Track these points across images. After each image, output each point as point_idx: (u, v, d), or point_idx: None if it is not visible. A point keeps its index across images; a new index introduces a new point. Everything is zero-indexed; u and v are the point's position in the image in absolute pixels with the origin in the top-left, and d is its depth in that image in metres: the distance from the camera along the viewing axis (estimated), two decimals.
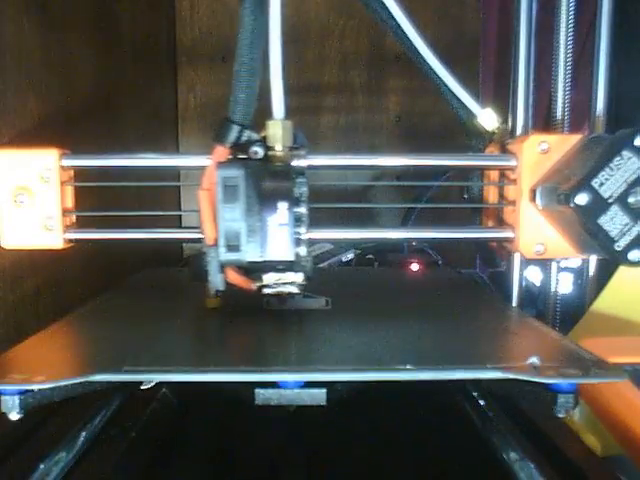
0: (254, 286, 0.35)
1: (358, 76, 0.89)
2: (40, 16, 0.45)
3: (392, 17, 0.38)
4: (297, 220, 0.33)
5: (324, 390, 0.28)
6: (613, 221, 0.34)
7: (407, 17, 0.38)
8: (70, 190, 0.39)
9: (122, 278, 0.52)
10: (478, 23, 0.79)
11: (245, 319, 0.38)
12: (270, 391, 0.27)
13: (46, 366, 0.29)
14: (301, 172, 0.34)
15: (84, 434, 0.31)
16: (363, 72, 0.88)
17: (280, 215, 0.33)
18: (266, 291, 0.35)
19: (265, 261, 0.33)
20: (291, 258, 0.33)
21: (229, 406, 0.39)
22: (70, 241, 0.39)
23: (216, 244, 0.34)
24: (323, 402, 0.28)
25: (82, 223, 0.40)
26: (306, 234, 0.34)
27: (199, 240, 0.40)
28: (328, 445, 0.38)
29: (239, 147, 0.35)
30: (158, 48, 0.83)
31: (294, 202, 0.33)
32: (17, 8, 0.42)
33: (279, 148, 0.34)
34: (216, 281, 0.35)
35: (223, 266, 0.35)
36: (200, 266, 0.35)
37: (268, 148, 0.34)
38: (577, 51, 0.41)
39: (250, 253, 0.33)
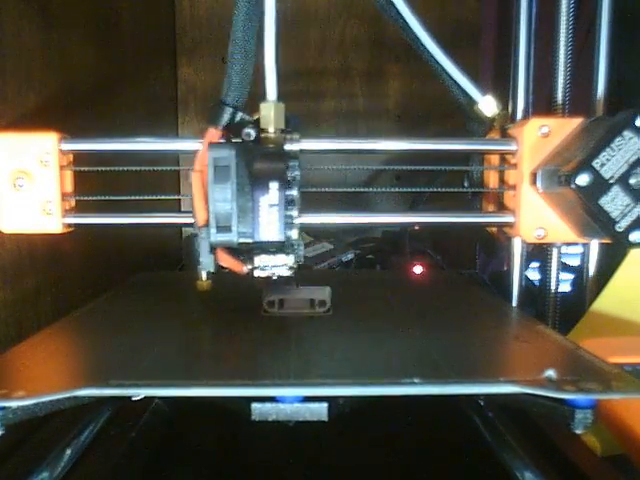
0: (245, 269, 0.35)
1: (358, 76, 0.89)
2: (40, 12, 0.45)
3: (392, 4, 0.38)
4: (289, 203, 0.33)
5: (325, 404, 0.26)
6: (614, 202, 0.34)
7: (407, 3, 0.38)
8: (69, 174, 0.39)
9: (122, 278, 0.51)
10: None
11: (242, 326, 0.37)
12: (267, 406, 0.26)
13: (29, 379, 0.27)
14: (294, 155, 0.34)
15: (69, 452, 0.30)
16: (363, 73, 0.89)
17: (271, 196, 0.33)
18: (257, 274, 0.34)
19: (255, 242, 0.33)
20: (281, 239, 0.33)
21: (226, 418, 0.37)
22: (69, 226, 0.39)
23: (207, 225, 0.34)
24: (324, 417, 0.26)
25: (82, 209, 0.40)
26: (298, 218, 0.34)
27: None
28: (330, 462, 0.36)
29: (232, 130, 0.35)
30: (158, 48, 0.83)
31: (285, 184, 0.33)
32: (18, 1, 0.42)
33: (272, 130, 0.34)
34: (207, 262, 0.34)
35: (214, 248, 0.34)
36: (191, 248, 0.35)
37: (261, 130, 0.34)
38: (578, 35, 0.41)
39: (241, 234, 0.33)
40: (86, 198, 0.40)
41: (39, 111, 0.44)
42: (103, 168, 0.39)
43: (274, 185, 0.33)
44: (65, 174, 0.39)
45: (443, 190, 0.40)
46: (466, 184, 0.45)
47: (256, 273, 0.34)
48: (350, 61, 0.88)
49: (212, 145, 0.34)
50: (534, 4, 0.42)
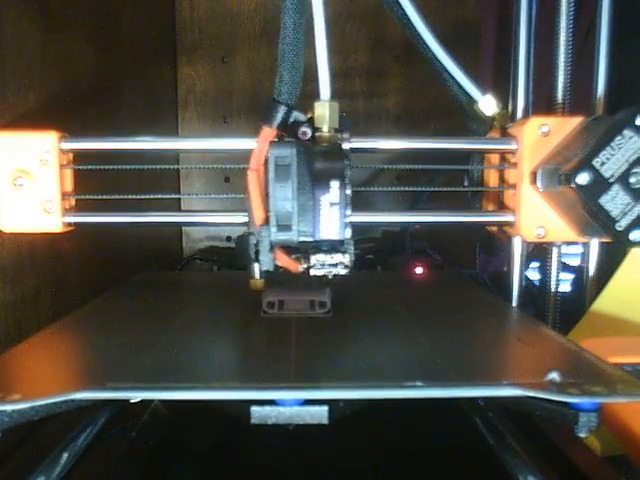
0: (301, 267, 0.35)
1: (358, 76, 0.89)
2: (40, 12, 0.45)
3: (398, 2, 0.38)
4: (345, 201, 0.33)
5: (325, 408, 0.26)
6: (614, 201, 0.34)
7: (411, 1, 0.38)
8: (69, 173, 0.39)
9: (122, 278, 0.51)
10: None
11: (242, 327, 0.36)
12: (267, 409, 0.26)
13: (26, 381, 0.27)
14: (347, 154, 0.34)
15: (66, 455, 0.29)
16: (363, 72, 0.89)
17: (332, 194, 0.33)
18: (313, 272, 0.34)
19: (316, 240, 0.33)
20: (342, 237, 0.33)
21: (225, 421, 0.36)
22: (69, 225, 0.39)
23: (266, 224, 0.34)
24: (325, 421, 0.26)
25: (82, 208, 0.40)
26: (351, 216, 0.34)
27: (197, 224, 0.40)
28: (330, 465, 0.36)
29: (284, 128, 0.35)
30: (158, 48, 0.83)
31: (344, 182, 0.33)
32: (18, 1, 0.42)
33: (326, 129, 0.34)
34: (266, 261, 0.35)
35: (273, 246, 0.34)
36: (245, 248, 0.35)
37: (315, 129, 0.34)
38: (578, 34, 0.41)
39: (301, 232, 0.33)
40: (86, 197, 0.40)
41: (39, 110, 0.44)
42: (103, 167, 0.39)
43: (335, 184, 0.33)
44: (65, 173, 0.39)
45: (443, 189, 0.40)
46: (466, 183, 0.45)
47: (312, 272, 0.34)
48: (350, 61, 0.88)
49: (273, 143, 0.34)
50: (534, 4, 0.42)
